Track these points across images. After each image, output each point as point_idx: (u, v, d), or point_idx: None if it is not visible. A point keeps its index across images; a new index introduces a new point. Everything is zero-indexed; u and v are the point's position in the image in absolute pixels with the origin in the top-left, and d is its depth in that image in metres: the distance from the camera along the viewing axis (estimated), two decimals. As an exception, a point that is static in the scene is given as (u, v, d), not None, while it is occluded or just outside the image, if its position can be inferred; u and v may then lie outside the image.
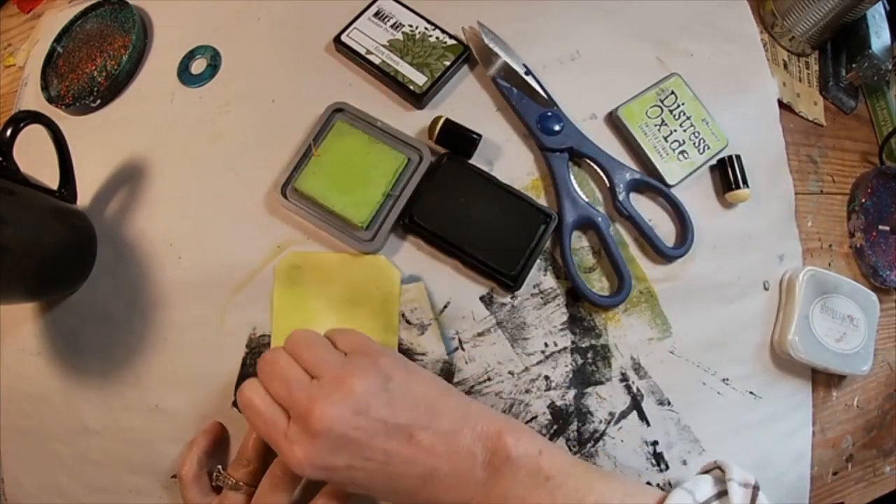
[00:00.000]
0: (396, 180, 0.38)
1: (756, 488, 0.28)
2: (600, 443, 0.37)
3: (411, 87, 0.40)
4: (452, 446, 0.28)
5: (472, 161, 0.39)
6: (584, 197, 0.39)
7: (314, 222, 0.38)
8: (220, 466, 0.34)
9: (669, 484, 0.37)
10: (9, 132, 0.34)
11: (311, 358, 0.29)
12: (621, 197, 0.39)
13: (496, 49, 0.41)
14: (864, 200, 0.44)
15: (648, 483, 0.37)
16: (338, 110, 0.40)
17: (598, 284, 0.39)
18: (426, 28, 0.42)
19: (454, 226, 0.37)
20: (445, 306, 0.38)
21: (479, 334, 0.37)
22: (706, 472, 0.32)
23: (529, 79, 0.41)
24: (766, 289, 0.41)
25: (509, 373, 0.37)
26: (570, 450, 0.36)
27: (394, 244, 0.38)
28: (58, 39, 0.46)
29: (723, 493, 0.28)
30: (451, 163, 0.38)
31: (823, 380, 0.41)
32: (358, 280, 0.37)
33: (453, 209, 0.37)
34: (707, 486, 0.29)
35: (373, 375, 0.28)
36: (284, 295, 0.37)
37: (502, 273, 0.37)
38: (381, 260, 0.37)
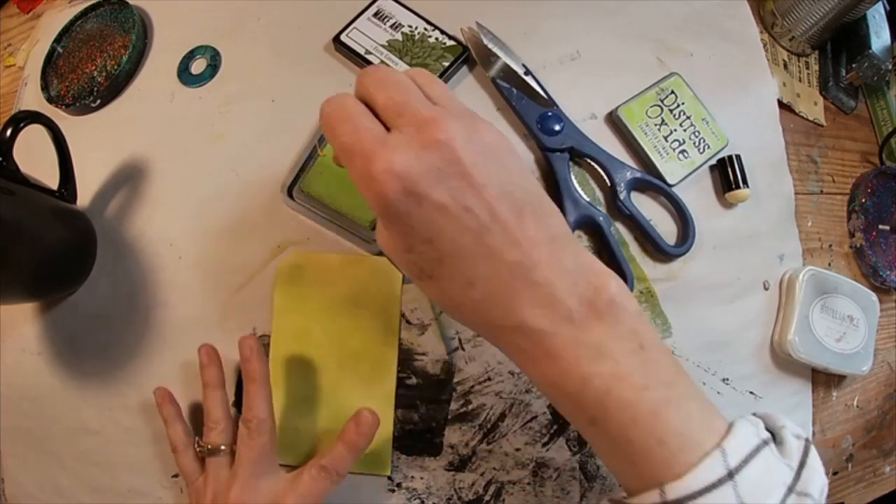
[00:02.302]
0: None
1: (808, 441, 0.25)
2: (600, 443, 0.37)
3: (411, 87, 0.40)
4: (555, 256, 0.23)
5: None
6: (584, 196, 0.39)
7: (321, 223, 0.38)
8: (197, 438, 0.35)
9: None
10: (9, 132, 0.34)
11: (437, 91, 0.25)
12: (622, 196, 0.39)
13: (495, 49, 0.41)
14: (864, 200, 0.44)
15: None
16: None
17: (598, 284, 0.39)
18: (425, 29, 0.42)
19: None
20: (445, 306, 0.38)
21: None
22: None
23: (529, 79, 0.41)
24: (766, 289, 0.41)
25: (509, 373, 0.37)
26: (570, 450, 0.37)
27: (394, 244, 0.38)
28: (58, 39, 0.46)
29: (772, 440, 0.24)
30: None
31: (823, 380, 0.41)
32: (359, 280, 0.37)
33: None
34: (760, 428, 0.24)
35: (500, 137, 0.24)
36: (286, 294, 0.37)
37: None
38: (382, 261, 0.37)
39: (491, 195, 0.22)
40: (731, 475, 0.21)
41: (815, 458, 0.24)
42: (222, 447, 0.33)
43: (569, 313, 0.22)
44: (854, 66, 0.45)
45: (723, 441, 0.22)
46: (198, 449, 0.34)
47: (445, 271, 0.23)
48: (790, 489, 0.23)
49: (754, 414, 0.26)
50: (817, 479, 0.24)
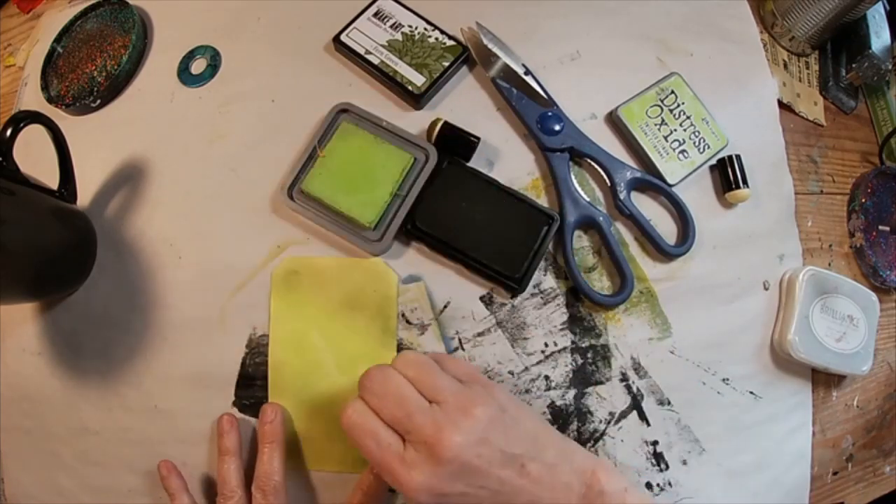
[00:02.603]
0: (403, 180, 0.38)
1: None
2: (600, 442, 0.37)
3: (410, 88, 0.40)
4: (555, 478, 0.29)
5: (473, 162, 0.39)
6: (584, 196, 0.39)
7: (322, 223, 0.38)
8: None
9: (669, 483, 0.37)
10: (9, 132, 0.34)
11: (429, 383, 0.29)
12: (622, 196, 0.39)
13: (495, 50, 0.41)
14: (864, 200, 0.44)
15: (648, 483, 0.37)
16: (343, 111, 0.40)
17: (599, 284, 0.39)
18: (425, 28, 0.42)
19: (457, 230, 0.37)
20: (445, 306, 0.38)
21: (479, 334, 0.37)
22: None
23: (529, 79, 0.41)
24: (766, 289, 0.41)
25: (509, 373, 0.37)
26: (570, 450, 0.37)
27: (396, 246, 0.38)
28: (58, 39, 0.46)
29: None
30: (452, 167, 0.38)
31: (823, 380, 0.41)
32: (355, 284, 0.37)
33: (455, 214, 0.37)
34: None
35: (492, 405, 0.29)
36: (282, 300, 0.37)
37: (506, 276, 0.36)
38: (378, 263, 0.37)
39: (496, 469, 0.28)
40: None
41: None
42: None
43: None
44: (854, 66, 0.45)
45: None
46: None
47: None
48: None
49: None
50: None
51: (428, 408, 0.28)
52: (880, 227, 0.44)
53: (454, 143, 0.39)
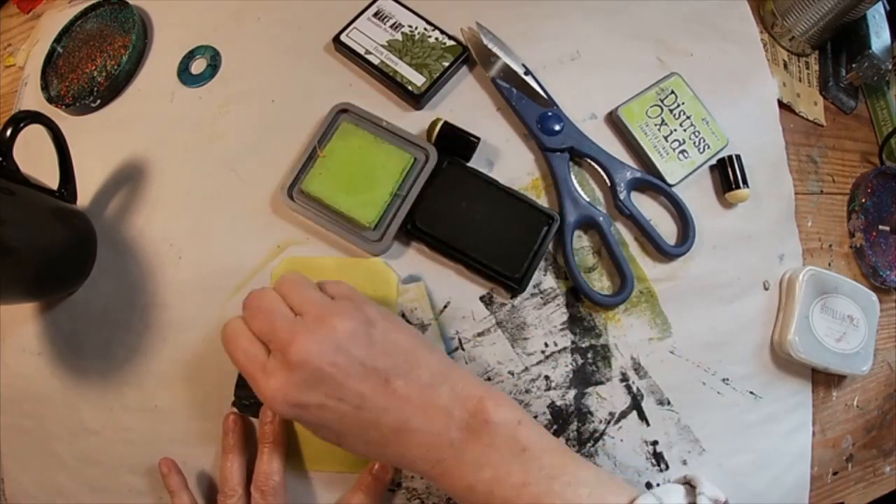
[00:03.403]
0: (403, 180, 0.38)
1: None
2: (600, 442, 0.37)
3: (410, 88, 0.40)
4: (429, 400, 0.28)
5: (473, 162, 0.39)
6: (584, 196, 0.39)
7: (322, 223, 0.38)
8: None
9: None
10: (9, 132, 0.34)
11: (297, 296, 0.29)
12: (622, 196, 0.39)
13: (495, 50, 0.41)
14: (864, 200, 0.44)
15: (648, 483, 0.37)
16: (343, 111, 0.40)
17: (599, 284, 0.39)
18: (425, 29, 0.42)
19: (457, 230, 0.37)
20: (445, 306, 0.38)
21: (479, 334, 0.37)
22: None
23: (529, 79, 0.41)
24: (766, 289, 0.41)
25: (509, 373, 0.37)
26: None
27: (396, 246, 0.38)
28: (58, 39, 0.46)
29: None
30: (452, 167, 0.38)
31: (823, 380, 0.41)
32: (355, 284, 0.37)
33: (455, 214, 0.37)
34: (677, 496, 0.28)
35: (356, 318, 0.28)
36: None
37: (506, 276, 0.36)
38: (377, 263, 0.37)
39: (355, 381, 0.27)
40: None
41: None
42: None
43: (450, 442, 0.28)
44: (854, 66, 0.45)
45: None
46: None
47: (345, 441, 0.29)
48: None
49: (675, 481, 0.30)
50: None
51: (291, 319, 0.28)
52: (880, 227, 0.44)
53: (454, 143, 0.39)
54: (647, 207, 0.40)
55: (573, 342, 0.38)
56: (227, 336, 0.29)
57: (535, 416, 0.37)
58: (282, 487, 0.34)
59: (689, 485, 0.29)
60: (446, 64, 0.41)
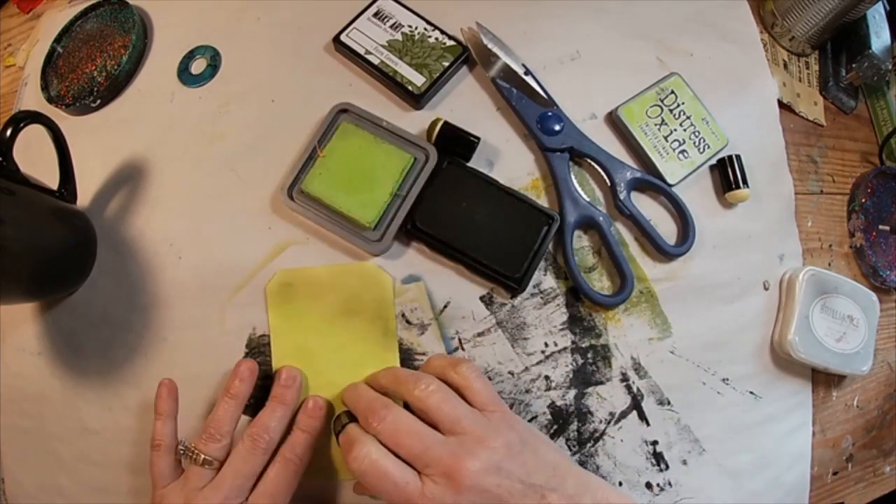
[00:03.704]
0: (403, 180, 0.38)
1: None
2: (600, 442, 0.37)
3: (410, 88, 0.40)
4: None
5: (473, 162, 0.39)
6: (584, 196, 0.39)
7: (322, 223, 0.38)
8: (184, 440, 0.33)
9: (669, 483, 0.37)
10: (9, 132, 0.34)
11: (449, 414, 0.29)
12: (622, 196, 0.39)
13: (495, 50, 0.41)
14: (864, 200, 0.44)
15: (648, 483, 0.37)
16: (343, 111, 0.40)
17: (599, 284, 0.39)
18: (425, 29, 0.42)
19: (457, 230, 0.37)
20: (445, 306, 0.38)
21: (479, 334, 0.37)
22: None
23: (529, 79, 0.41)
24: (766, 289, 0.41)
25: (509, 373, 0.37)
26: (570, 450, 0.37)
27: (396, 246, 0.38)
28: (58, 39, 0.46)
29: None
30: (452, 167, 0.38)
31: (823, 380, 0.41)
32: (350, 289, 0.37)
33: (455, 214, 0.37)
34: None
35: (510, 436, 0.29)
36: (280, 314, 0.37)
37: (507, 276, 0.36)
38: (370, 266, 0.37)
39: (517, 499, 0.28)
40: None
41: None
42: (215, 462, 0.32)
43: None
44: (854, 66, 0.45)
45: None
46: (190, 455, 0.32)
47: None
48: None
49: None
50: None
51: (445, 440, 0.29)
52: (880, 227, 0.44)
53: (454, 143, 0.39)
54: (647, 207, 0.40)
55: (573, 342, 0.38)
56: (367, 465, 0.28)
57: (535, 416, 0.37)
58: (271, 448, 0.33)
59: None
60: (446, 64, 0.41)
